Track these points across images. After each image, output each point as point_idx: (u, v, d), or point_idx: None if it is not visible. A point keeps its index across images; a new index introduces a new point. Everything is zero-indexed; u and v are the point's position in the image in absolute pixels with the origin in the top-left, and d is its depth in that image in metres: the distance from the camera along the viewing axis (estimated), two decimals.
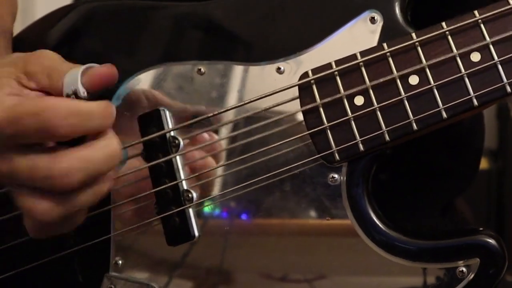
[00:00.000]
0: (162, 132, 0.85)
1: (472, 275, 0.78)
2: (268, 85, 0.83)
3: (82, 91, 0.76)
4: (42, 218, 0.73)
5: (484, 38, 0.77)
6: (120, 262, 0.87)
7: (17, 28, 0.96)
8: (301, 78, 0.82)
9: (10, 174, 0.72)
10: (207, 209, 0.85)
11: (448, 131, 0.83)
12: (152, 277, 0.87)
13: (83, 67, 0.77)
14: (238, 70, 0.85)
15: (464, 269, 0.78)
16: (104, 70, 0.77)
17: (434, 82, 0.78)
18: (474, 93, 0.77)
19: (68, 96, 0.75)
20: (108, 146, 0.74)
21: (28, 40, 0.96)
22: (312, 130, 0.81)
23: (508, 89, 0.76)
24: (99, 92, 0.77)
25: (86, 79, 0.76)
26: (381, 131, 0.79)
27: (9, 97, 0.73)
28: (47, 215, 0.73)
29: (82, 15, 0.94)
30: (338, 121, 0.80)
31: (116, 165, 0.75)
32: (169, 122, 0.86)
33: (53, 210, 0.73)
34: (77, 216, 0.77)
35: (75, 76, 0.76)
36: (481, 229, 0.81)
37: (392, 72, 0.79)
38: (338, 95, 0.80)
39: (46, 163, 0.71)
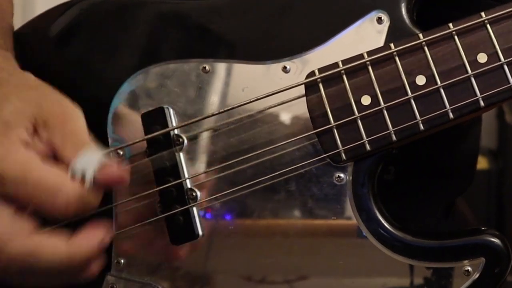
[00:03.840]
0: (166, 130, 0.84)
1: (477, 275, 0.79)
2: (274, 84, 0.83)
3: (90, 179, 0.74)
4: None
5: (491, 39, 0.78)
6: (122, 261, 0.87)
7: (17, 25, 0.94)
8: (307, 77, 0.81)
9: None
10: (211, 208, 0.85)
11: (447, 131, 0.84)
12: (154, 277, 0.86)
13: (103, 154, 0.76)
14: (243, 68, 0.85)
15: (469, 268, 0.79)
16: (120, 174, 0.77)
17: (441, 83, 0.78)
18: (480, 94, 0.77)
19: (73, 173, 0.74)
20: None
21: (27, 37, 0.95)
22: (319, 129, 0.81)
23: None
24: None
25: (99, 173, 0.75)
26: (388, 131, 0.79)
27: (22, 148, 0.73)
28: None
29: (83, 12, 0.93)
30: (345, 120, 0.80)
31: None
32: (173, 120, 0.85)
33: None
34: None
35: (92, 160, 0.75)
36: (484, 228, 0.82)
37: (399, 72, 0.79)
38: (344, 93, 0.80)
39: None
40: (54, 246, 0.74)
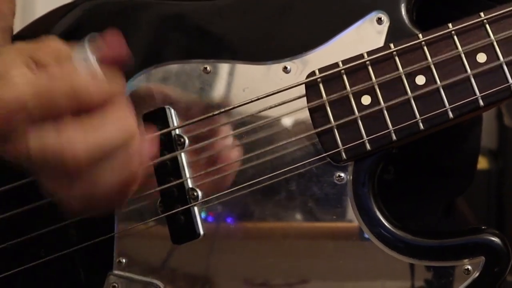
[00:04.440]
0: (168, 129, 0.85)
1: (477, 274, 0.79)
2: (274, 85, 0.83)
3: (92, 58, 0.71)
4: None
5: (490, 39, 0.78)
6: (123, 260, 0.87)
7: (17, 27, 0.95)
8: (308, 77, 0.82)
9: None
10: (212, 208, 0.85)
11: (447, 131, 0.84)
12: (156, 276, 0.86)
13: (88, 36, 0.73)
14: (244, 69, 0.85)
15: (469, 267, 0.79)
16: (119, 44, 0.72)
17: (441, 82, 0.79)
18: (480, 93, 0.78)
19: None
20: (120, 118, 0.69)
21: (28, 39, 0.95)
22: (319, 129, 0.81)
23: None
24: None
25: (92, 46, 0.72)
26: (388, 131, 0.79)
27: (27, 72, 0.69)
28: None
29: (85, 13, 0.93)
30: (345, 120, 0.80)
31: (130, 140, 0.70)
32: (174, 120, 0.86)
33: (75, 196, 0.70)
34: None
35: (82, 47, 0.72)
36: (484, 227, 0.82)
37: (398, 72, 0.80)
38: (344, 93, 0.81)
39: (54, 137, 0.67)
40: None
